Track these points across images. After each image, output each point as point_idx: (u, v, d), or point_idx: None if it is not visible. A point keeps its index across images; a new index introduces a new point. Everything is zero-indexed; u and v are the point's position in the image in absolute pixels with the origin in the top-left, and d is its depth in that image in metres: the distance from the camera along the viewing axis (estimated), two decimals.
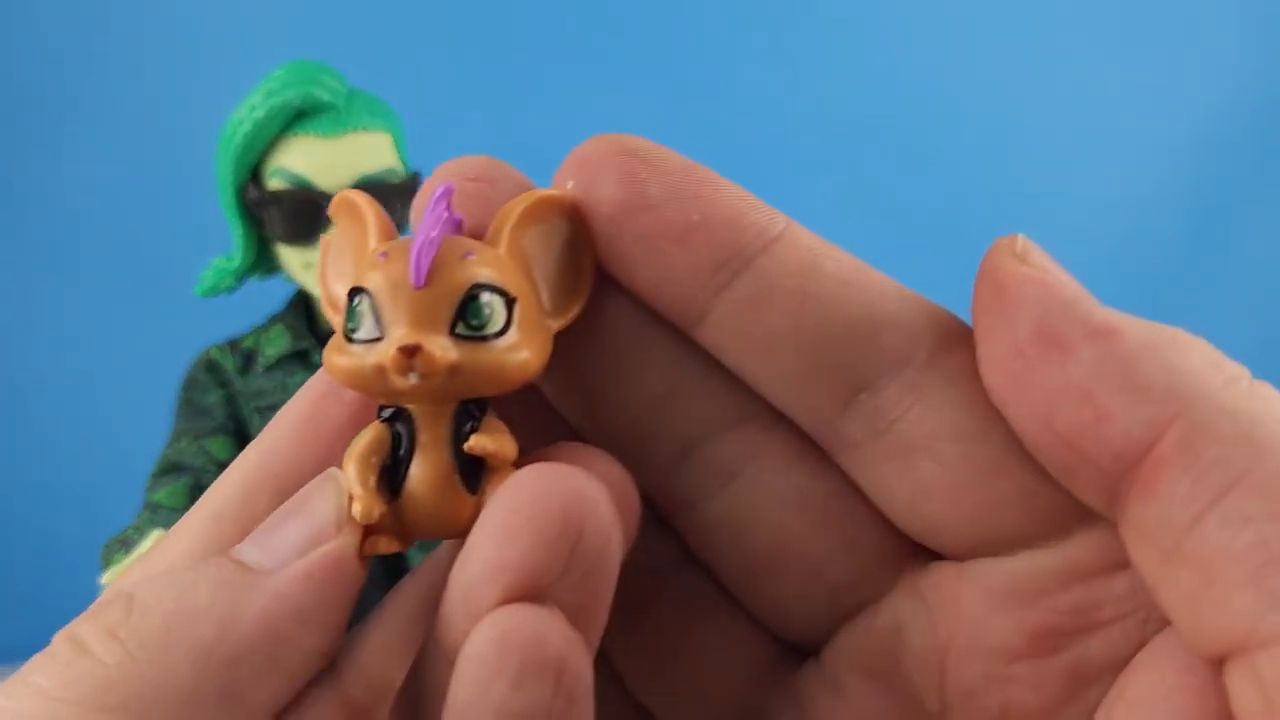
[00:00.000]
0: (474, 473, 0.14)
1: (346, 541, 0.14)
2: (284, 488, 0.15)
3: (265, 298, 0.63)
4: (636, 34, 0.94)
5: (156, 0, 0.90)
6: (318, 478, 0.14)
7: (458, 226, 0.15)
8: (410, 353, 0.13)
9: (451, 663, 0.13)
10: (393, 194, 0.57)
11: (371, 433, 0.14)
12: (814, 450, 0.15)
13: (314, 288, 0.60)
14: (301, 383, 0.16)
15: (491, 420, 0.14)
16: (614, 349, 0.15)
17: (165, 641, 0.13)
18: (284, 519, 0.14)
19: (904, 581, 0.16)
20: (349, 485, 0.14)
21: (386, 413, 0.15)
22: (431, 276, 0.14)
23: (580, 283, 0.15)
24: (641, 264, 0.15)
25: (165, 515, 0.57)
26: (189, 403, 0.62)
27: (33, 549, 0.90)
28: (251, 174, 0.59)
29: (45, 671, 0.13)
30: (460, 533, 0.14)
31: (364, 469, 0.14)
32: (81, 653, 0.13)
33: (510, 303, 0.14)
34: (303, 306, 0.63)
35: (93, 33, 0.89)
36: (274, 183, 0.58)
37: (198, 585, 0.13)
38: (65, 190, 0.90)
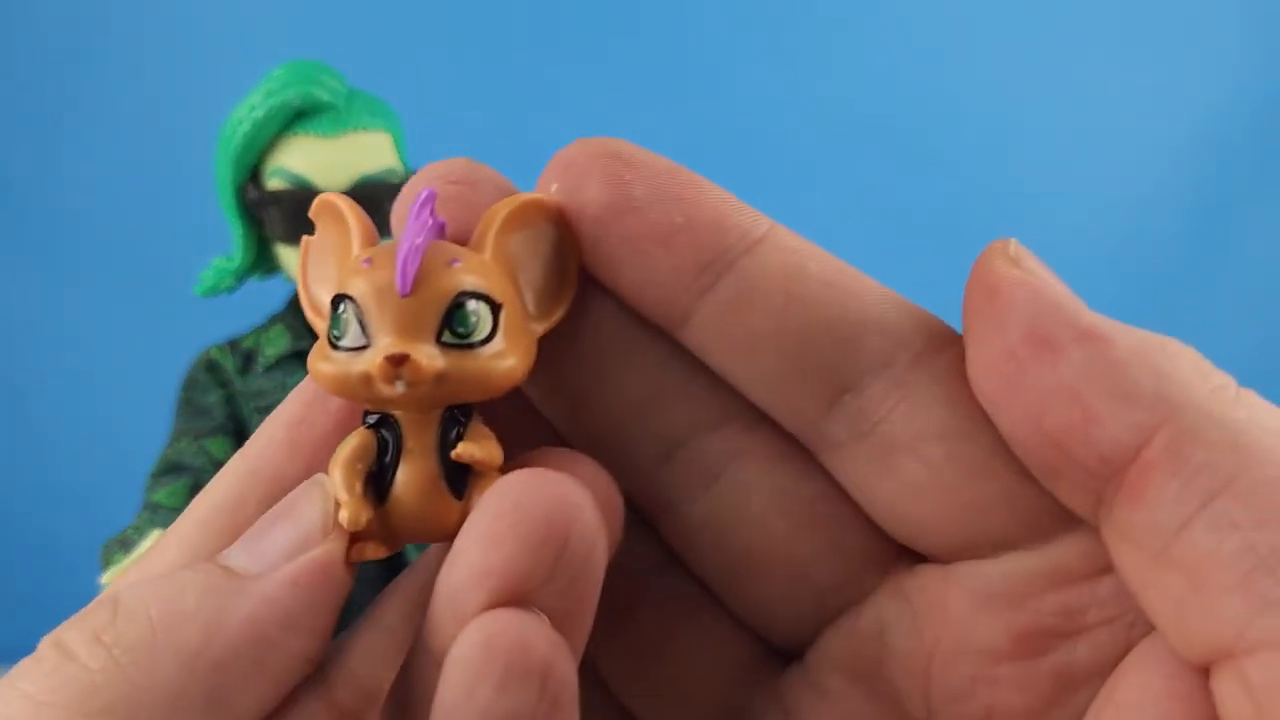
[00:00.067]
0: (460, 478, 0.14)
1: (333, 547, 0.14)
2: (272, 494, 0.15)
3: (265, 298, 0.63)
4: (637, 34, 0.94)
5: (156, 0, 0.90)
6: (304, 483, 0.14)
7: (440, 230, 0.15)
8: (398, 362, 0.13)
9: (438, 666, 0.13)
10: (392, 194, 0.57)
11: (357, 439, 0.14)
12: (798, 451, 0.16)
13: None
14: (301, 382, 0.16)
15: (477, 426, 0.14)
16: (596, 351, 0.16)
17: (151, 646, 0.13)
18: (271, 524, 0.14)
19: (889, 584, 0.16)
20: (335, 491, 0.14)
21: (372, 418, 0.15)
22: (417, 284, 0.14)
23: (564, 286, 0.15)
24: (626, 266, 0.15)
25: (165, 515, 0.57)
26: (189, 403, 0.62)
27: (33, 549, 0.90)
28: (251, 174, 0.59)
29: (31, 676, 0.13)
30: (447, 537, 0.14)
31: (350, 475, 0.14)
32: (67, 658, 0.13)
33: (496, 309, 0.14)
34: None
35: (93, 33, 0.89)
36: (273, 183, 0.58)
37: (184, 590, 0.13)
38: (65, 190, 0.90)
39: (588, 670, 0.16)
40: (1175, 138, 0.97)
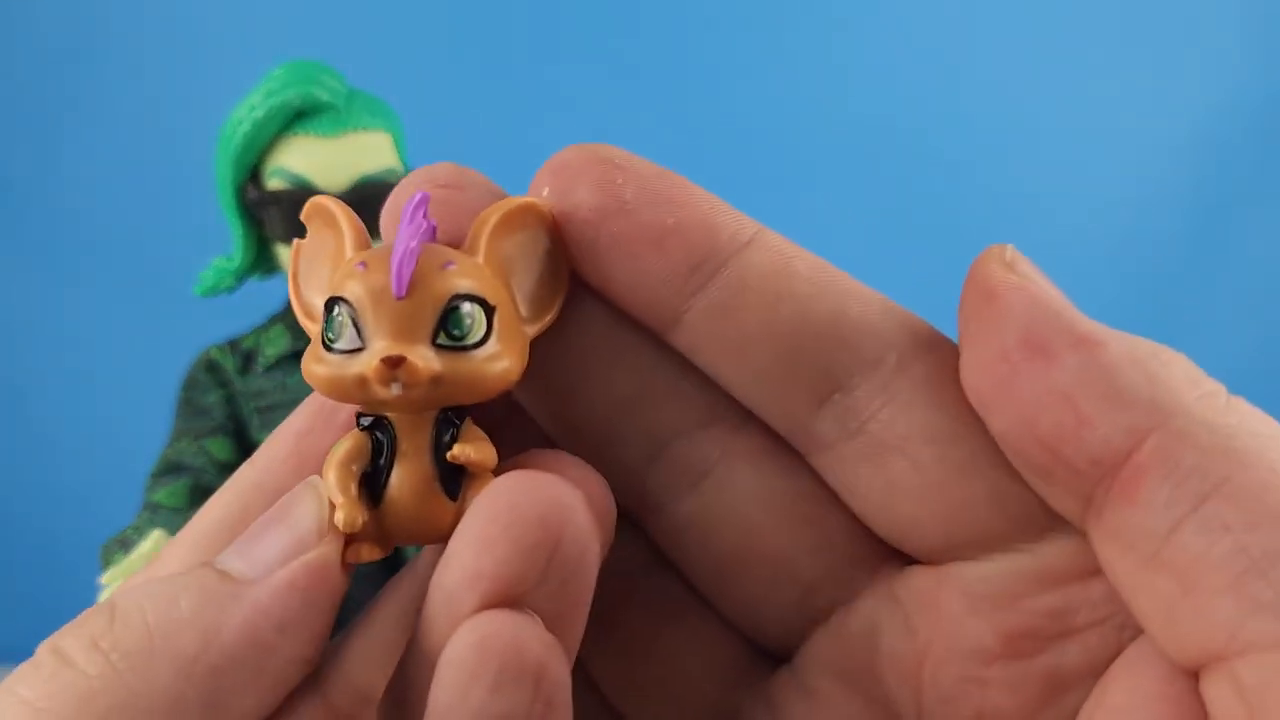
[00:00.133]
0: (454, 479, 0.14)
1: (329, 550, 0.14)
2: None
3: (265, 298, 0.63)
4: (637, 34, 0.94)
5: (156, 0, 0.90)
6: (298, 486, 0.14)
7: (432, 233, 0.15)
8: (394, 364, 0.13)
9: (433, 667, 0.13)
10: None
11: (351, 441, 0.14)
12: (786, 451, 0.16)
13: None
14: (301, 382, 0.16)
15: (471, 428, 0.15)
16: (583, 352, 0.16)
17: (148, 652, 0.13)
18: (265, 528, 0.14)
19: (879, 585, 0.16)
20: (330, 493, 0.14)
21: (366, 421, 0.15)
22: (413, 287, 0.14)
23: (556, 289, 0.15)
24: (617, 268, 0.15)
25: (165, 515, 0.57)
26: (189, 403, 0.62)
27: (33, 549, 0.90)
28: (251, 174, 0.59)
29: (29, 682, 0.13)
30: (441, 539, 0.14)
31: (345, 476, 0.14)
32: (65, 664, 0.13)
33: (490, 312, 0.14)
34: None
35: (93, 33, 0.89)
36: (273, 182, 0.58)
37: (180, 596, 0.13)
38: (65, 190, 0.90)
39: (579, 672, 0.16)
40: (1175, 138, 0.97)
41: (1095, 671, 0.14)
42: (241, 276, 0.61)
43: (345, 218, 0.15)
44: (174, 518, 0.57)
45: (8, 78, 0.90)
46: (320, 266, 0.16)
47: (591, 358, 0.16)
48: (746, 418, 0.16)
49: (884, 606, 0.15)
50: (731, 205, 0.15)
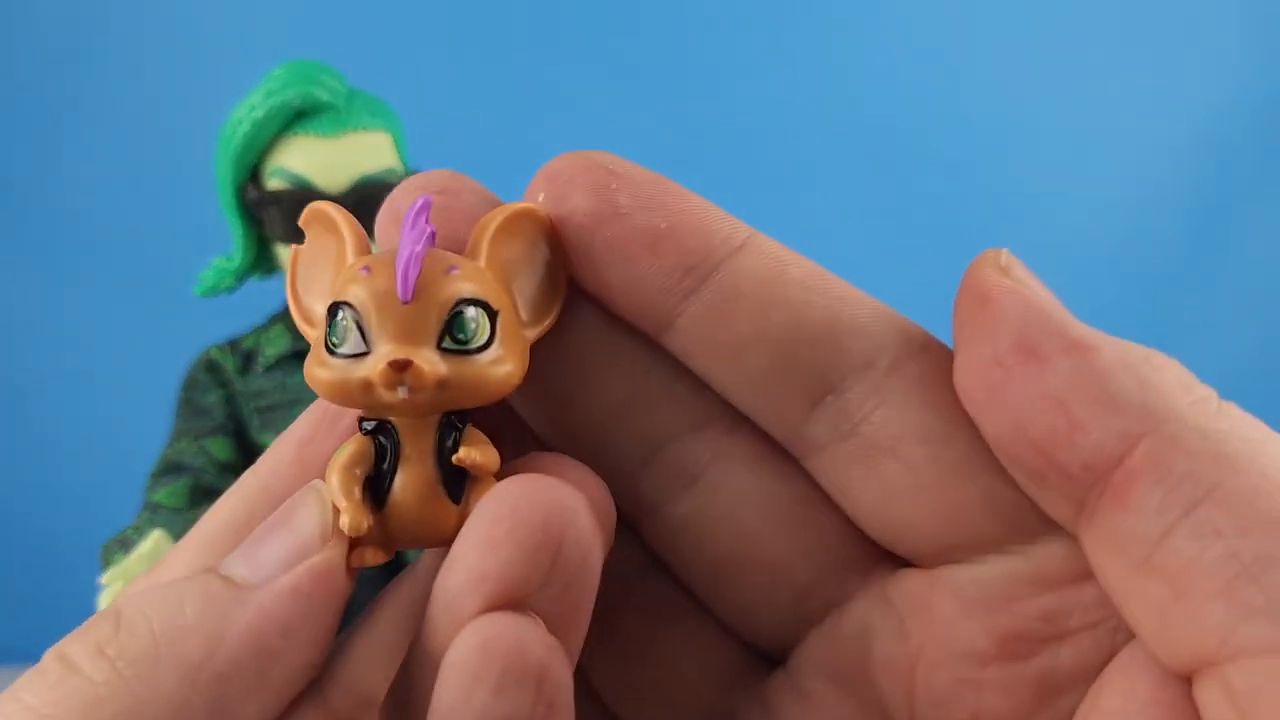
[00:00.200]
0: (457, 483, 0.14)
1: (333, 554, 0.14)
2: None
3: (265, 298, 0.63)
4: (637, 34, 0.94)
5: (156, 0, 0.90)
6: (301, 490, 0.14)
7: (433, 238, 0.15)
8: (400, 368, 0.13)
9: (436, 670, 0.13)
10: None
11: (354, 445, 0.15)
12: (779, 454, 0.16)
13: None
14: (301, 383, 0.16)
15: (473, 431, 0.15)
16: (578, 356, 0.16)
17: (153, 659, 0.13)
18: (269, 532, 0.14)
19: (872, 588, 0.16)
20: (333, 497, 0.14)
21: (369, 425, 0.15)
22: (418, 291, 0.14)
23: (555, 293, 0.15)
24: (612, 271, 0.15)
25: (165, 515, 0.57)
26: (189, 403, 0.62)
27: (33, 549, 0.90)
28: (251, 174, 0.59)
29: (35, 689, 0.13)
30: (444, 542, 0.14)
31: (348, 480, 0.14)
32: (70, 671, 0.13)
33: (493, 316, 0.14)
34: None
35: (93, 33, 0.89)
36: (273, 182, 0.58)
37: (185, 602, 0.13)
38: (64, 190, 0.90)
39: (578, 676, 0.16)
40: (1175, 138, 0.97)
41: (1089, 674, 0.14)
42: (241, 276, 0.61)
43: (346, 223, 0.15)
44: (174, 518, 0.57)
45: (8, 78, 0.90)
46: (320, 272, 0.16)
47: (586, 362, 0.16)
48: (740, 421, 0.16)
49: (877, 609, 0.16)
50: (729, 207, 0.15)
